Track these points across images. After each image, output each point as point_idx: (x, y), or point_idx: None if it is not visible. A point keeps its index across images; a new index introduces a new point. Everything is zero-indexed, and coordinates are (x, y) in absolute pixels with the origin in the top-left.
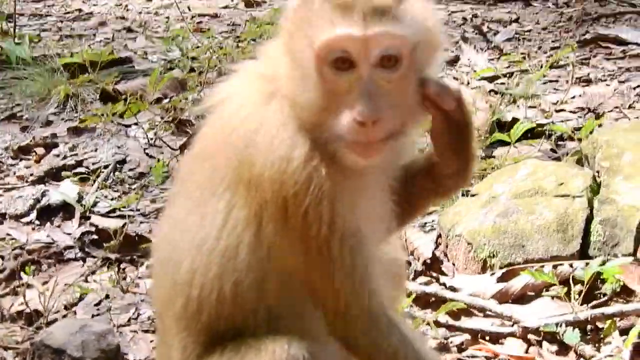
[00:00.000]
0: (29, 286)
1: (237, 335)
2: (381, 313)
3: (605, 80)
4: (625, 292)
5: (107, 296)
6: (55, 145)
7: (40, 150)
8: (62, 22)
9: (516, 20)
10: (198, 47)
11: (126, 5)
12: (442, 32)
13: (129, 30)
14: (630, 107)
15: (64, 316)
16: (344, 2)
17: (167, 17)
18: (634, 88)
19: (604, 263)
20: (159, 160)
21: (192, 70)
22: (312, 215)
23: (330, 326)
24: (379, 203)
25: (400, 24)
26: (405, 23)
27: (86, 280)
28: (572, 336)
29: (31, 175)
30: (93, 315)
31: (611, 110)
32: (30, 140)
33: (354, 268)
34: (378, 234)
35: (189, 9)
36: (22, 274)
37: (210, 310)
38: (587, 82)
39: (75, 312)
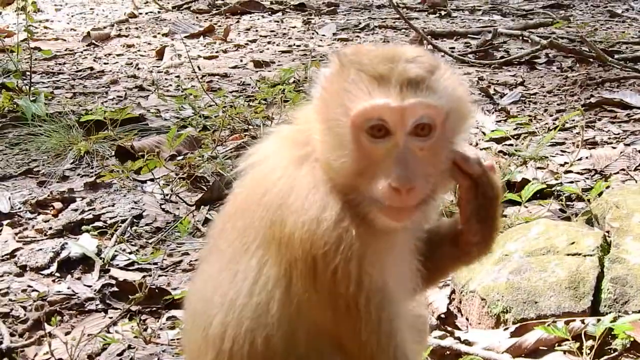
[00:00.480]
0: (51, 336)
1: None
2: None
3: (611, 142)
4: (635, 348)
5: (129, 346)
6: (73, 200)
7: (57, 205)
8: (74, 79)
9: (521, 84)
10: (210, 105)
11: (137, 64)
12: (470, 101)
13: (141, 88)
14: (636, 169)
15: None
16: (380, 73)
17: (178, 76)
18: (639, 151)
19: (615, 320)
20: (175, 216)
21: (205, 128)
22: (341, 274)
23: None
24: (405, 262)
25: (434, 94)
26: (438, 93)
27: (108, 331)
28: None
29: (50, 229)
30: None
31: (617, 172)
32: (48, 195)
33: (380, 324)
34: (404, 291)
35: (199, 69)
36: (45, 324)
37: None
38: (593, 144)
39: None
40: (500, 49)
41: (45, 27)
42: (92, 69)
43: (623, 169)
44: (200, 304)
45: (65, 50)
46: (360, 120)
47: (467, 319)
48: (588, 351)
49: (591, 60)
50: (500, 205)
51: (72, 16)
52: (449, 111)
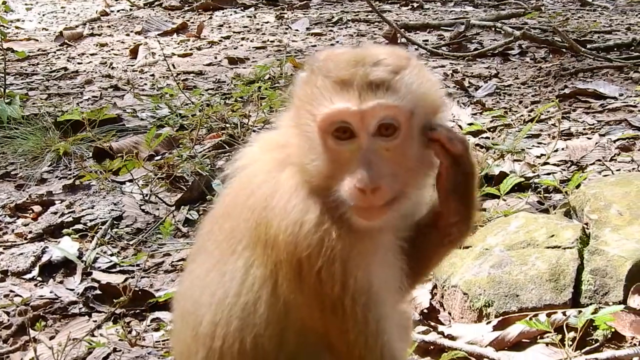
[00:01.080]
0: (36, 341)
1: None
2: None
3: (586, 133)
4: (616, 338)
5: (115, 349)
6: (52, 203)
7: (37, 208)
8: (48, 80)
9: (496, 75)
10: (187, 104)
11: (111, 64)
12: (441, 96)
13: (116, 88)
14: (612, 159)
15: None
16: (342, 78)
17: (153, 75)
18: (614, 141)
19: (596, 311)
20: (155, 217)
21: (182, 127)
22: (325, 276)
23: None
24: (390, 263)
25: (395, 95)
26: (401, 93)
27: (93, 335)
28: None
29: (30, 232)
30: None
31: (593, 163)
32: (27, 199)
33: (367, 324)
34: (390, 291)
35: (174, 67)
36: (30, 329)
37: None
38: (569, 135)
39: None
40: (473, 41)
41: (17, 27)
42: (66, 69)
43: (599, 160)
44: (189, 304)
45: (38, 50)
46: (325, 125)
47: (449, 314)
48: (570, 343)
49: (564, 50)
50: (476, 183)
51: (44, 15)
52: (414, 109)
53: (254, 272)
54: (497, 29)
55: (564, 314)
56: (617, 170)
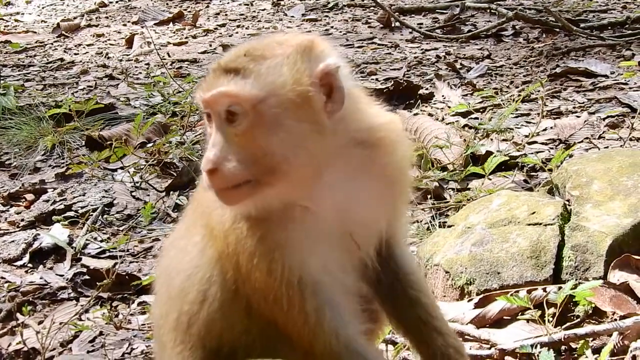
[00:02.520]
0: (25, 326)
1: (232, 354)
2: (344, 349)
3: (575, 112)
4: (596, 314)
5: (101, 333)
6: (44, 191)
7: (29, 196)
8: (44, 71)
9: (488, 57)
10: (179, 92)
11: (107, 54)
12: (313, 91)
13: (111, 77)
14: (600, 137)
15: (61, 353)
16: (212, 67)
17: (147, 64)
18: (604, 119)
19: (575, 287)
20: (145, 203)
21: (174, 114)
22: (261, 268)
23: None
24: (326, 248)
25: (242, 82)
26: (249, 80)
27: (80, 319)
28: (547, 357)
29: (22, 220)
30: (88, 352)
31: (581, 141)
32: (20, 187)
33: (307, 312)
34: (331, 276)
35: (169, 55)
36: (18, 314)
37: (200, 326)
38: (558, 114)
39: (70, 349)
40: (467, 23)
41: (16, 20)
42: (62, 60)
43: (587, 138)
44: (166, 267)
45: (36, 42)
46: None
47: (432, 292)
48: (550, 319)
49: (557, 30)
50: None
51: (43, 8)
52: (266, 97)
53: (207, 252)
54: (492, 11)
55: (544, 290)
56: (604, 147)
